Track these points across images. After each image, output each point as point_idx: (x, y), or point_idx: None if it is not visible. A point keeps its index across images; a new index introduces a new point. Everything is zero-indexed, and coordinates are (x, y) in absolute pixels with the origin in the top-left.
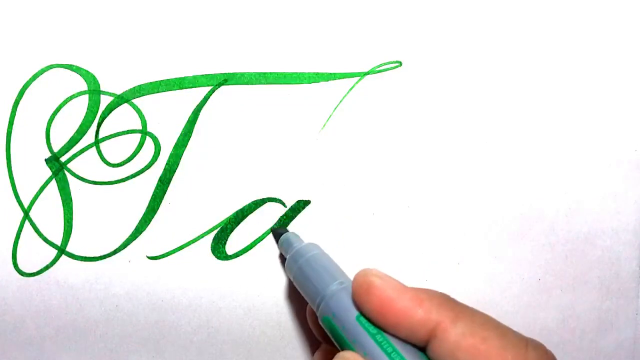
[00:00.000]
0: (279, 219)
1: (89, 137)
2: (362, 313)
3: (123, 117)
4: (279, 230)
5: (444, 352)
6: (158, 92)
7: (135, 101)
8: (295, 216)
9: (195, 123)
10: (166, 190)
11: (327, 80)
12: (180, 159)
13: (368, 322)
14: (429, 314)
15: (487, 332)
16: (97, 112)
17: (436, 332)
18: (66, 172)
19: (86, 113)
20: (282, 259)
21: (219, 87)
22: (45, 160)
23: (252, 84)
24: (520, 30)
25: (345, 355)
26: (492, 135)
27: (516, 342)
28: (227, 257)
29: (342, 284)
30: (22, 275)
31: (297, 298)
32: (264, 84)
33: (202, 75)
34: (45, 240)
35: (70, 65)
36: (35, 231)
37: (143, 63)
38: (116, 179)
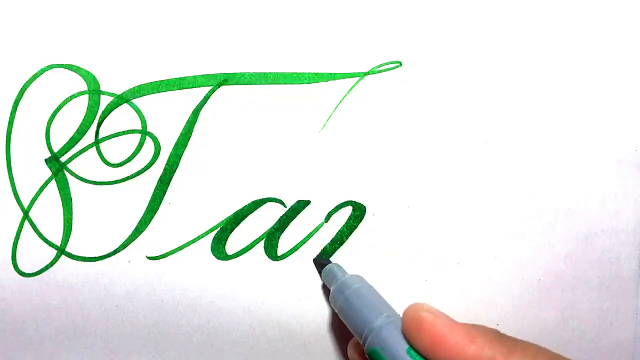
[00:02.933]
0: (280, 218)
1: (89, 137)
2: (413, 347)
3: (123, 117)
4: (321, 261)
5: None
6: (158, 92)
7: (135, 101)
8: (295, 216)
9: (195, 123)
10: (166, 190)
11: (327, 80)
12: (180, 159)
13: (419, 357)
14: (481, 350)
15: None
16: (97, 112)
17: None
18: (66, 172)
19: (86, 113)
20: (325, 288)
21: (219, 87)
22: (45, 160)
23: (252, 84)
24: (520, 30)
25: None
26: (492, 135)
27: None
28: (227, 257)
29: (390, 317)
30: (21, 275)
31: (297, 298)
32: (264, 84)
33: (202, 75)
34: (45, 240)
35: (70, 65)
36: (35, 231)
37: (143, 63)
38: (116, 179)
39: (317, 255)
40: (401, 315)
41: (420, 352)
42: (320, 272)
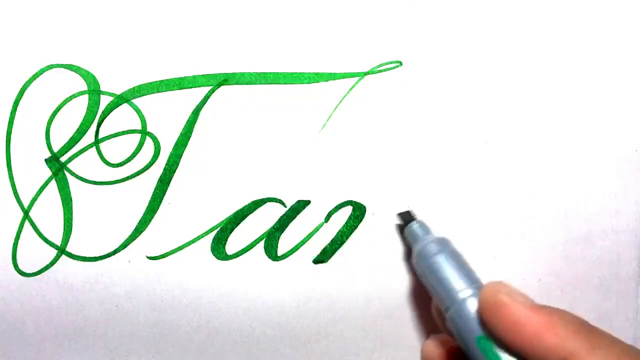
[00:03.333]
0: (280, 218)
1: (89, 137)
2: (489, 331)
3: (123, 117)
4: (406, 217)
5: None
6: (158, 92)
7: (135, 101)
8: (295, 216)
9: (195, 123)
10: (166, 190)
11: (327, 80)
12: (180, 159)
13: (489, 346)
14: (563, 341)
15: None
16: (97, 112)
17: None
18: (66, 172)
19: (86, 113)
20: (405, 245)
21: (219, 87)
22: (45, 160)
23: (252, 84)
24: (521, 30)
25: None
26: (492, 135)
27: None
28: (227, 257)
29: (472, 288)
30: (22, 275)
31: (297, 298)
32: (264, 84)
33: (202, 75)
34: (45, 240)
35: (70, 65)
36: (35, 231)
37: (143, 63)
38: (116, 179)
39: (400, 213)
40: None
41: (498, 337)
42: (402, 229)
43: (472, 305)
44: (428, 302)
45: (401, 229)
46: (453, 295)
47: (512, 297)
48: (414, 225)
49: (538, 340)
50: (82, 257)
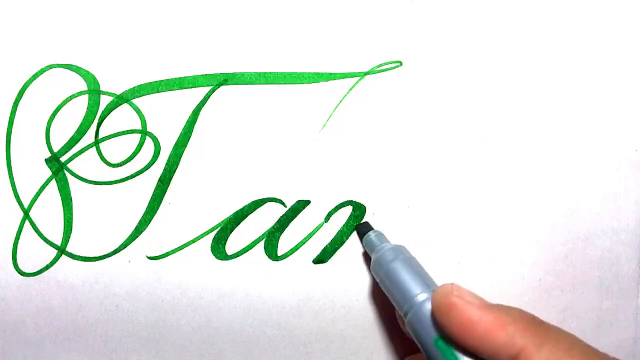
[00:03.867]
0: (280, 218)
1: (88, 137)
2: (443, 331)
3: (123, 117)
4: (362, 229)
5: None
6: (158, 92)
7: (135, 101)
8: (295, 216)
9: (195, 123)
10: (166, 190)
11: (327, 80)
12: (180, 159)
13: (446, 346)
14: (512, 338)
15: (573, 359)
16: (97, 112)
17: (519, 358)
18: (66, 172)
19: (86, 113)
20: (365, 256)
21: (219, 87)
22: (45, 160)
23: (252, 84)
24: (521, 30)
25: None
26: (492, 135)
27: None
28: (227, 257)
29: (427, 292)
30: (22, 275)
31: (297, 298)
32: (264, 84)
33: (202, 75)
34: (45, 240)
35: (70, 65)
36: (35, 231)
37: (143, 63)
38: (116, 179)
39: (357, 225)
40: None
41: (451, 337)
42: (361, 239)
43: (428, 308)
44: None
45: (360, 239)
46: (410, 299)
47: (463, 298)
48: (371, 235)
49: (489, 338)
50: (82, 257)
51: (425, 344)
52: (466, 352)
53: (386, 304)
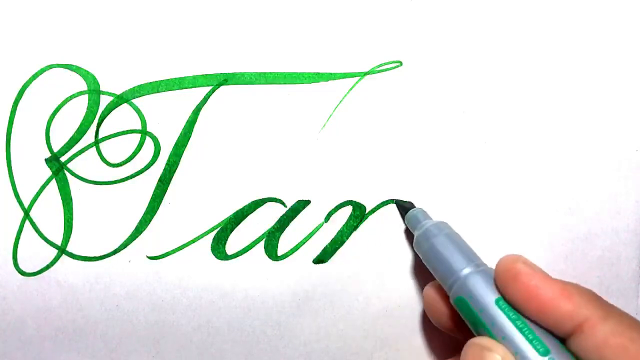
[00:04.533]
0: (280, 218)
1: (88, 137)
2: (505, 298)
3: (123, 117)
4: (405, 205)
5: (589, 348)
6: (158, 92)
7: (135, 101)
8: (295, 216)
9: (195, 123)
10: (166, 190)
11: (327, 80)
12: (180, 159)
13: (508, 307)
14: (578, 308)
15: (636, 334)
16: (97, 112)
17: (583, 328)
18: (66, 172)
19: (86, 113)
20: (407, 233)
21: (219, 87)
22: (45, 160)
23: (252, 84)
24: (521, 30)
25: (481, 342)
26: (492, 136)
27: None
28: (227, 257)
29: (479, 266)
30: (22, 275)
31: (297, 298)
32: (264, 84)
33: (202, 75)
34: (46, 240)
35: (70, 65)
36: (36, 231)
37: (143, 63)
38: (116, 179)
39: (398, 201)
40: (491, 267)
41: (513, 303)
42: (403, 216)
43: (479, 279)
44: None
45: (402, 217)
46: (458, 271)
47: (530, 267)
48: (415, 212)
49: (554, 305)
50: (82, 257)
51: (484, 305)
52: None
53: (386, 304)
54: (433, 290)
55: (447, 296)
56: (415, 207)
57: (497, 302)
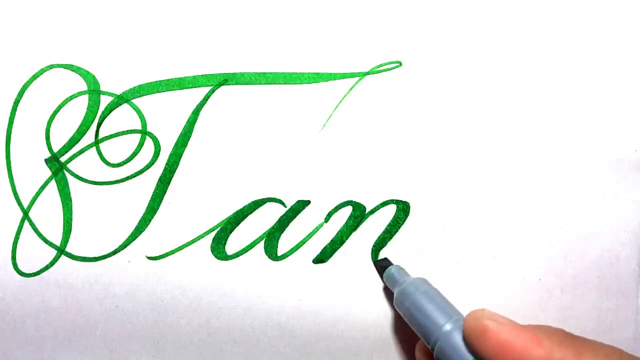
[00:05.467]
0: (280, 218)
1: (88, 137)
2: (478, 355)
3: (123, 117)
4: (382, 263)
5: None
6: (158, 92)
7: (135, 101)
8: (295, 216)
9: (195, 123)
10: (166, 190)
11: (327, 80)
12: (180, 159)
13: None
14: (550, 353)
15: None
16: (97, 112)
17: None
18: (66, 172)
19: (86, 113)
20: (386, 290)
21: (219, 87)
22: (45, 160)
23: (252, 84)
24: (520, 30)
25: None
26: (492, 135)
27: None
28: (227, 257)
29: (456, 322)
30: (21, 275)
31: (297, 298)
32: (264, 84)
33: (202, 75)
34: (45, 240)
35: (70, 65)
36: (35, 231)
37: (143, 63)
38: (116, 179)
39: (373, 257)
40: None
41: (488, 359)
42: (381, 274)
43: (458, 336)
44: None
45: (380, 275)
46: (438, 329)
47: (497, 321)
48: (392, 270)
49: (526, 356)
50: (82, 257)
51: None
52: None
53: (386, 304)
54: (422, 348)
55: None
56: (392, 264)
57: None
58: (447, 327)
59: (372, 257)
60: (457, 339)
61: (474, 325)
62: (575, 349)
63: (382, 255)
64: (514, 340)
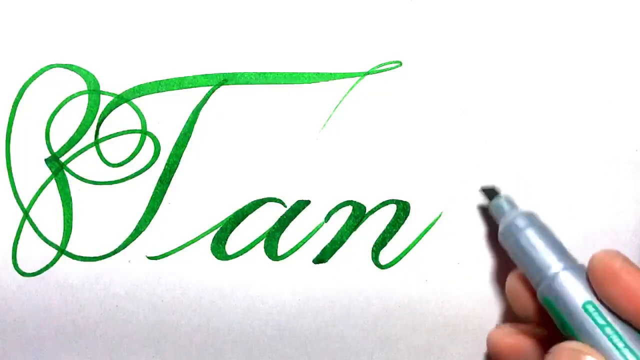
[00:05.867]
0: (280, 218)
1: (88, 137)
2: (602, 299)
3: (123, 117)
4: (490, 190)
5: None
6: (158, 92)
7: (135, 101)
8: (295, 216)
9: (195, 123)
10: (166, 190)
11: (327, 80)
12: (180, 159)
13: (597, 312)
14: None
15: None
16: (97, 112)
17: None
18: (66, 172)
19: (86, 113)
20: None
21: (219, 87)
22: (45, 160)
23: (252, 84)
24: (520, 30)
25: (571, 345)
26: (492, 135)
27: None
28: (227, 257)
29: (567, 264)
30: (21, 275)
31: (297, 298)
32: (264, 84)
33: (202, 75)
34: (45, 240)
35: (70, 65)
36: (35, 231)
37: (143, 63)
38: (116, 179)
39: (485, 187)
40: (581, 263)
41: (612, 304)
42: (489, 201)
43: (573, 276)
44: (428, 302)
45: (484, 206)
46: (550, 266)
47: (629, 264)
48: (500, 200)
49: None
50: (82, 257)
51: (571, 309)
52: (622, 319)
53: (386, 304)
54: (516, 281)
55: (532, 288)
56: (499, 194)
57: (584, 306)
58: (557, 267)
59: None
60: (565, 283)
61: (605, 265)
62: None
63: (382, 254)
64: None
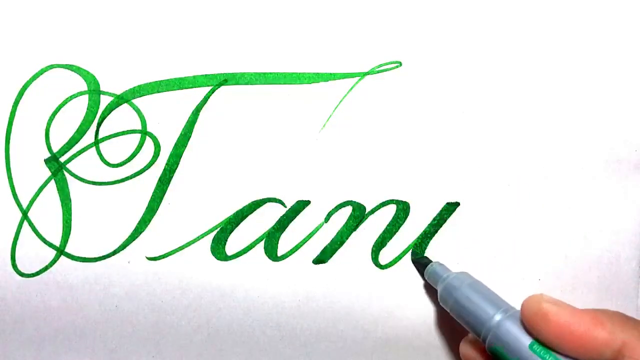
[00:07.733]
0: (280, 218)
1: (88, 137)
2: (538, 340)
3: (123, 117)
4: (422, 260)
5: None
6: (158, 92)
7: (135, 101)
8: (295, 216)
9: (195, 123)
10: (166, 191)
11: (327, 80)
12: (180, 159)
13: (543, 349)
14: (613, 334)
15: None
16: (97, 112)
17: (623, 352)
18: (65, 172)
19: (86, 113)
20: (428, 286)
21: (219, 87)
22: (45, 160)
23: (252, 84)
24: (520, 30)
25: None
26: (492, 135)
27: None
28: (226, 258)
29: (506, 312)
30: (21, 275)
31: (297, 298)
32: (264, 84)
33: (202, 75)
34: (44, 240)
35: (70, 65)
36: (34, 232)
37: (143, 63)
38: (116, 179)
39: (412, 255)
40: (518, 309)
41: (547, 344)
42: (421, 272)
43: (512, 324)
44: (428, 302)
45: (421, 273)
46: (490, 319)
47: (556, 304)
48: (434, 266)
49: (589, 337)
50: (82, 257)
51: (519, 352)
52: (563, 355)
53: (386, 304)
54: (468, 346)
55: (483, 348)
56: (432, 261)
57: (530, 347)
58: (498, 317)
59: (411, 257)
60: (512, 326)
61: (533, 310)
62: (638, 331)
63: (382, 255)
64: (576, 323)
